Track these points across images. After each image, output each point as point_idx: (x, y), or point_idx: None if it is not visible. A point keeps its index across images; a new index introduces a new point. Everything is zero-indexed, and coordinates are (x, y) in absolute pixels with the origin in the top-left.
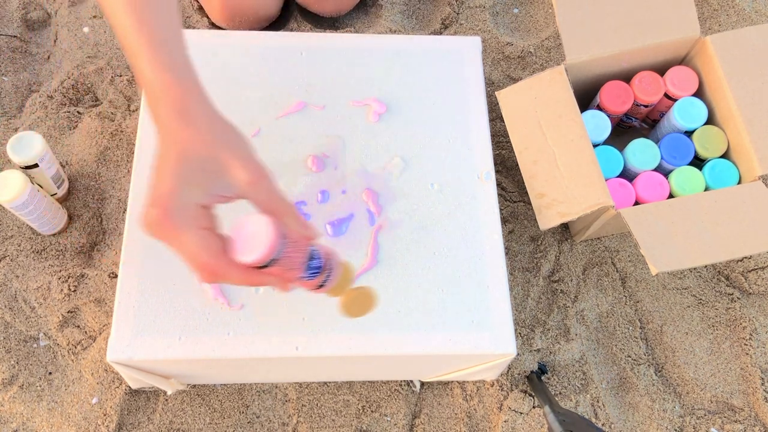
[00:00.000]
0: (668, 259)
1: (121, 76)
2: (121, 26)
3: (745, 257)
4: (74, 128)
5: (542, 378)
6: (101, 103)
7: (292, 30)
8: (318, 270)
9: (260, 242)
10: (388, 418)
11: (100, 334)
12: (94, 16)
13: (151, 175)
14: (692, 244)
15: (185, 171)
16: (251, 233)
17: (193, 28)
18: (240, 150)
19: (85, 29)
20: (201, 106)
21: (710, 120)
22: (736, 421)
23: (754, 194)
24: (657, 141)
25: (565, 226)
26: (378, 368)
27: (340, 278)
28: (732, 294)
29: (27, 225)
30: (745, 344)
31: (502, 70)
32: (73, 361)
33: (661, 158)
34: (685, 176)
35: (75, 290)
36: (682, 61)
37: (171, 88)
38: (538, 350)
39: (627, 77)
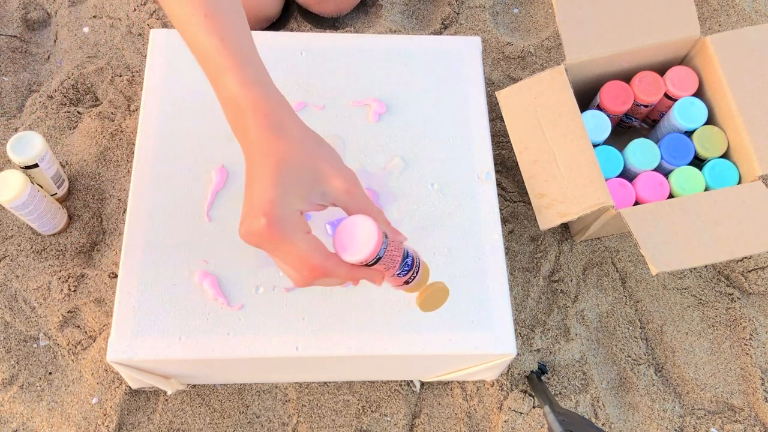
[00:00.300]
0: (668, 259)
1: (121, 76)
2: (201, 45)
3: (745, 257)
4: (74, 128)
5: (542, 378)
6: (101, 103)
7: (292, 30)
8: (410, 267)
9: (367, 241)
10: (388, 418)
11: (100, 334)
12: (94, 16)
13: (247, 188)
14: (692, 244)
15: (285, 181)
16: (354, 234)
17: None
18: (334, 160)
19: (85, 29)
20: (292, 120)
21: (710, 120)
22: (736, 421)
23: (754, 194)
24: (657, 141)
25: (565, 226)
26: (378, 368)
27: (423, 275)
28: (732, 294)
29: (27, 225)
30: (745, 344)
31: (502, 70)
32: (73, 361)
33: (661, 158)
34: (685, 176)
35: (75, 290)
36: (682, 61)
37: (260, 103)
38: (538, 350)
39: (627, 77)
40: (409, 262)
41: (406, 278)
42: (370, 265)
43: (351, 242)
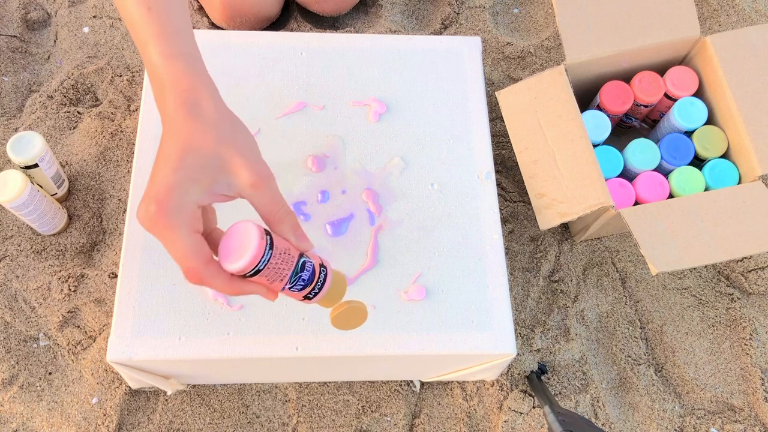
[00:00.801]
0: (668, 259)
1: (121, 76)
2: (130, 15)
3: (745, 257)
4: (74, 128)
5: (542, 378)
6: (101, 103)
7: (292, 30)
8: (306, 282)
9: (245, 250)
10: (388, 418)
11: (100, 334)
12: (94, 16)
13: (153, 167)
14: (692, 244)
15: (187, 167)
16: (240, 241)
17: (193, 28)
18: (246, 149)
19: (85, 29)
20: (210, 100)
21: (710, 120)
22: (736, 421)
23: (754, 194)
24: (657, 141)
25: (565, 226)
26: (378, 368)
27: (331, 291)
28: (732, 294)
29: (27, 225)
30: (745, 344)
31: (502, 70)
32: (73, 361)
33: (661, 158)
34: (685, 176)
35: (75, 290)
36: (682, 61)
37: (181, 78)
38: (538, 350)
39: (627, 77)
40: (306, 277)
41: (304, 293)
42: (249, 276)
43: (231, 250)
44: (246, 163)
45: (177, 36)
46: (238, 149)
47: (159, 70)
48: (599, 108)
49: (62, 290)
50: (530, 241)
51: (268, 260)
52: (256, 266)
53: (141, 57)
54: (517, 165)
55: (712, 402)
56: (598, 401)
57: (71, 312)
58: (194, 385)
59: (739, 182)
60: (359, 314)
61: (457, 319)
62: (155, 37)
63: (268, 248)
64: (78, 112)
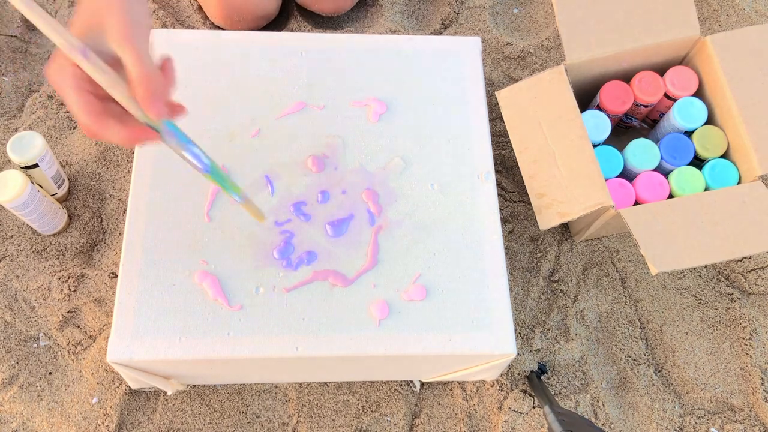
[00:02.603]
0: (668, 259)
1: None
2: None
3: (745, 257)
4: (74, 128)
5: (542, 378)
6: None
7: (292, 30)
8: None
9: None
10: (388, 418)
11: (100, 334)
12: None
13: None
14: (692, 244)
15: (74, 30)
16: None
17: (193, 28)
18: (125, 12)
19: None
20: None
21: (710, 120)
22: (736, 421)
23: (754, 194)
24: (657, 141)
25: (565, 226)
26: (378, 368)
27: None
28: (732, 294)
29: (27, 225)
30: (745, 344)
31: (502, 70)
32: (73, 361)
33: (661, 158)
34: (685, 176)
35: (75, 290)
36: (682, 61)
37: None
38: (538, 350)
39: (627, 77)
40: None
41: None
42: None
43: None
44: (119, 19)
45: None
46: (118, 11)
47: None
48: (599, 108)
49: (62, 290)
50: (530, 241)
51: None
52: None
53: None
54: (517, 165)
55: (712, 402)
56: (598, 401)
57: (71, 312)
58: (194, 385)
59: (739, 182)
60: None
61: (457, 319)
62: None
63: None
64: None
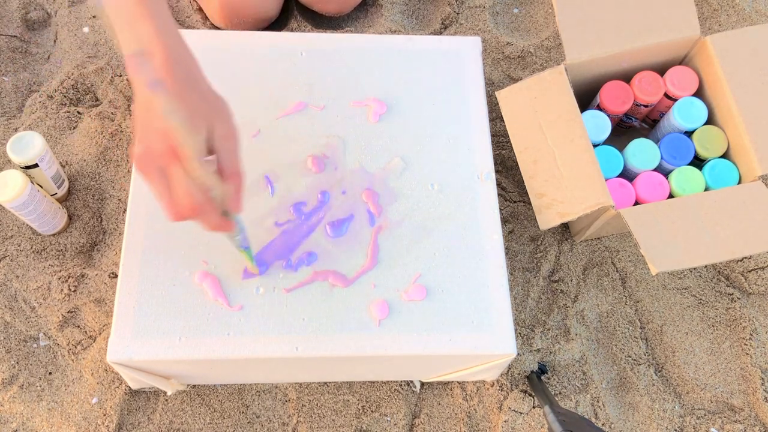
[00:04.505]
0: (668, 259)
1: (120, 76)
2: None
3: (745, 257)
4: (74, 128)
5: (542, 378)
6: (101, 103)
7: (292, 30)
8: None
9: None
10: (388, 418)
11: (100, 334)
12: (94, 16)
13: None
14: (692, 244)
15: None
16: None
17: (193, 28)
18: (229, 115)
19: (85, 29)
20: (201, 74)
21: (710, 120)
22: (736, 421)
23: (754, 194)
24: (657, 141)
25: (565, 226)
26: (378, 368)
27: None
28: (732, 294)
29: (27, 225)
30: (745, 344)
31: (502, 70)
32: (73, 361)
33: (661, 158)
34: (685, 176)
35: (75, 290)
36: (682, 61)
37: (179, 49)
38: (538, 350)
39: (627, 77)
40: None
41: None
42: None
43: None
44: (229, 125)
45: (161, 16)
46: (228, 118)
47: (150, 44)
48: (599, 108)
49: (62, 290)
50: (530, 241)
51: None
52: None
53: (120, 34)
54: (517, 165)
55: (712, 402)
56: (598, 401)
57: (71, 312)
58: (194, 385)
59: (739, 182)
60: None
61: (457, 319)
62: (144, 16)
63: None
64: (78, 112)
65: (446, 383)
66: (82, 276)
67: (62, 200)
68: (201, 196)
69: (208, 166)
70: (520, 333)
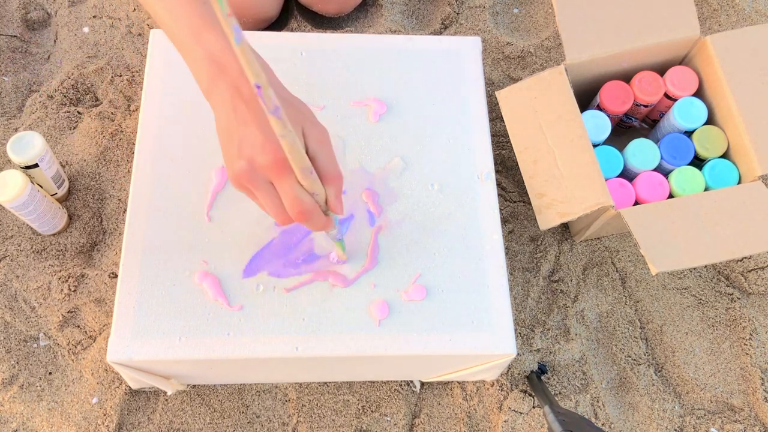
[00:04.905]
0: (668, 259)
1: (121, 76)
2: (177, 4)
3: (745, 257)
4: (74, 128)
5: (542, 378)
6: (101, 103)
7: (292, 30)
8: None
9: None
10: (388, 418)
11: (100, 334)
12: (94, 16)
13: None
14: (692, 244)
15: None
16: None
17: None
18: (316, 120)
19: (85, 29)
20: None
21: (710, 120)
22: (736, 421)
23: (754, 194)
24: (657, 141)
25: (565, 226)
26: (378, 368)
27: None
28: (732, 294)
29: (27, 225)
30: (745, 344)
31: (502, 70)
32: (73, 361)
33: (661, 158)
34: (685, 176)
35: (75, 290)
36: (682, 61)
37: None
38: (538, 350)
39: (627, 77)
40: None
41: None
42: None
43: None
44: (320, 129)
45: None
46: (317, 122)
47: (219, 57)
48: (599, 108)
49: (62, 290)
50: (530, 241)
51: None
52: None
53: (184, 47)
54: (517, 165)
55: (712, 402)
56: (598, 401)
57: (71, 312)
58: (194, 385)
59: (739, 182)
60: None
61: (457, 319)
62: (209, 27)
63: None
64: (78, 112)
65: (446, 383)
66: (82, 276)
67: (62, 200)
68: (309, 202)
69: (314, 173)
70: (520, 333)
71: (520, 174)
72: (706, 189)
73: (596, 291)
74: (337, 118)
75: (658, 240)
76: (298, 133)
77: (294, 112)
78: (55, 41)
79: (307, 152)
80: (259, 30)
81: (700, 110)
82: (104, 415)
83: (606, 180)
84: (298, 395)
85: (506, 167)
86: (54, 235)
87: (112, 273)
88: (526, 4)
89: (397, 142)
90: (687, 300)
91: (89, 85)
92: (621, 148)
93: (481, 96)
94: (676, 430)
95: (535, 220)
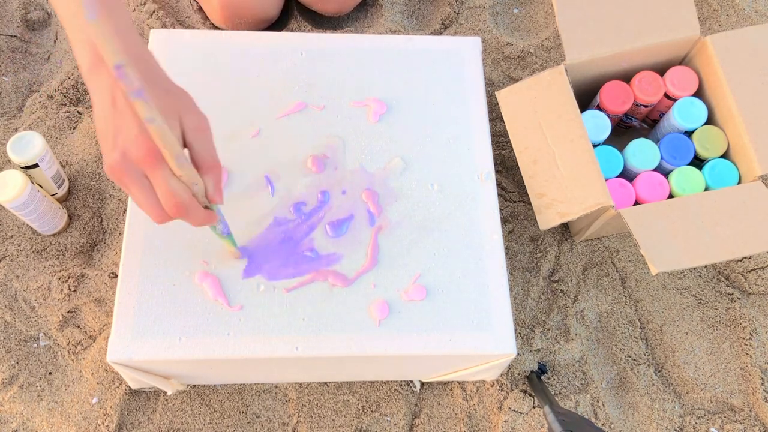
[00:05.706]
0: (668, 259)
1: None
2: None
3: (745, 257)
4: (74, 128)
5: (542, 378)
6: None
7: (292, 30)
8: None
9: None
10: (388, 418)
11: (100, 334)
12: None
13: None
14: (692, 244)
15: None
16: None
17: (193, 28)
18: (196, 106)
19: None
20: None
21: (710, 120)
22: (736, 421)
23: (754, 194)
24: (657, 141)
25: (565, 226)
26: (378, 368)
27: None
28: (732, 294)
29: (27, 225)
30: (745, 344)
31: (502, 70)
32: (73, 361)
33: (661, 158)
34: (685, 176)
35: (75, 290)
36: (682, 61)
37: (130, 50)
38: (538, 350)
39: (627, 77)
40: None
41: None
42: None
43: None
44: (198, 117)
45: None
46: (195, 110)
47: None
48: (599, 108)
49: (62, 290)
50: (530, 241)
51: None
52: None
53: (68, 27)
54: (517, 165)
55: (712, 402)
56: (598, 401)
57: (71, 312)
58: (194, 385)
59: (739, 182)
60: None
61: (457, 319)
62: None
63: None
64: (78, 112)
65: (446, 383)
66: (82, 276)
67: (62, 200)
68: (184, 194)
69: (189, 162)
70: (520, 333)
71: (520, 174)
72: (706, 189)
73: (596, 291)
74: (337, 118)
75: (658, 240)
76: (176, 121)
77: (172, 99)
78: (55, 41)
79: (184, 142)
80: (259, 30)
81: (700, 110)
82: (104, 415)
83: (606, 180)
84: (298, 395)
85: (506, 167)
86: (54, 235)
87: (112, 273)
88: (526, 4)
89: (397, 142)
90: (687, 300)
91: None
92: (621, 148)
93: (481, 96)
94: (676, 430)
95: (535, 220)
